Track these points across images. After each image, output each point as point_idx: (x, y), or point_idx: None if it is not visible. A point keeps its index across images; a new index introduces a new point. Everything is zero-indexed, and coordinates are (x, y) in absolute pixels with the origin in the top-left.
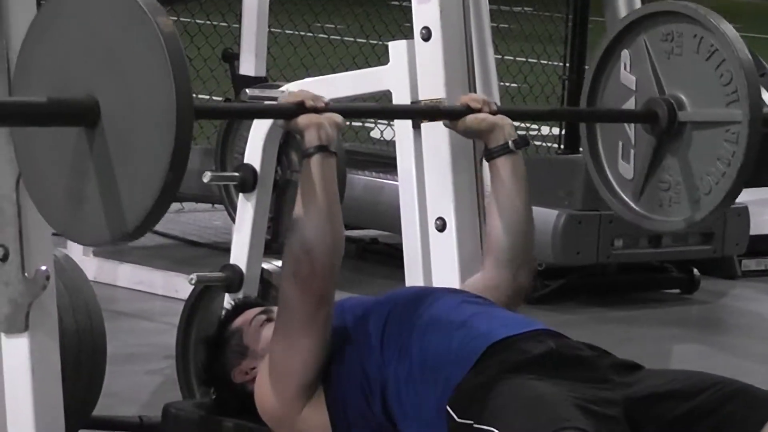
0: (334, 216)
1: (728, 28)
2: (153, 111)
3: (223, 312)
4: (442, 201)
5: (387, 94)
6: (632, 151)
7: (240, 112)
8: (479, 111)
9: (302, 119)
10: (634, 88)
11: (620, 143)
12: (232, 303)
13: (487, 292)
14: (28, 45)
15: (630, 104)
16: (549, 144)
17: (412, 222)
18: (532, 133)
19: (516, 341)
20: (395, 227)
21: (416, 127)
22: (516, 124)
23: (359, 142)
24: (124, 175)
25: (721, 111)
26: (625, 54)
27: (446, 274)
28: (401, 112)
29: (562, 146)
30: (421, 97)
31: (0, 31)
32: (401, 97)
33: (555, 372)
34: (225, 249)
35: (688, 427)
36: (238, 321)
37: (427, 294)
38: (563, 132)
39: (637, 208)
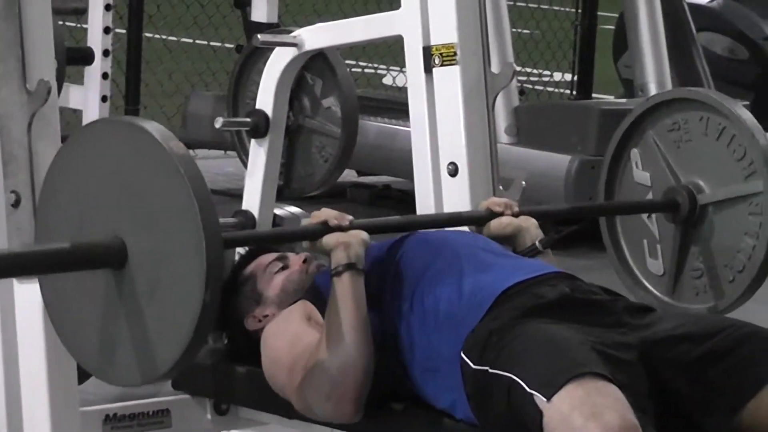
0: (366, 337)
1: (732, 104)
2: (181, 247)
3: (237, 257)
4: (454, 145)
5: (399, 39)
6: (659, 247)
7: (269, 238)
8: (501, 214)
9: (329, 239)
10: (649, 184)
11: (645, 241)
12: (246, 248)
13: None
14: (48, 190)
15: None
16: (561, 90)
17: (424, 167)
18: (544, 78)
19: (530, 286)
20: (408, 173)
21: (428, 72)
22: (528, 69)
23: (371, 89)
24: (155, 316)
25: (741, 186)
26: (635, 153)
27: None
28: (427, 223)
29: (574, 92)
30: (433, 42)
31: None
32: (413, 42)
33: (570, 316)
34: (237, 195)
35: (704, 369)
36: (252, 266)
37: (439, 240)
38: (575, 78)
39: (672, 302)
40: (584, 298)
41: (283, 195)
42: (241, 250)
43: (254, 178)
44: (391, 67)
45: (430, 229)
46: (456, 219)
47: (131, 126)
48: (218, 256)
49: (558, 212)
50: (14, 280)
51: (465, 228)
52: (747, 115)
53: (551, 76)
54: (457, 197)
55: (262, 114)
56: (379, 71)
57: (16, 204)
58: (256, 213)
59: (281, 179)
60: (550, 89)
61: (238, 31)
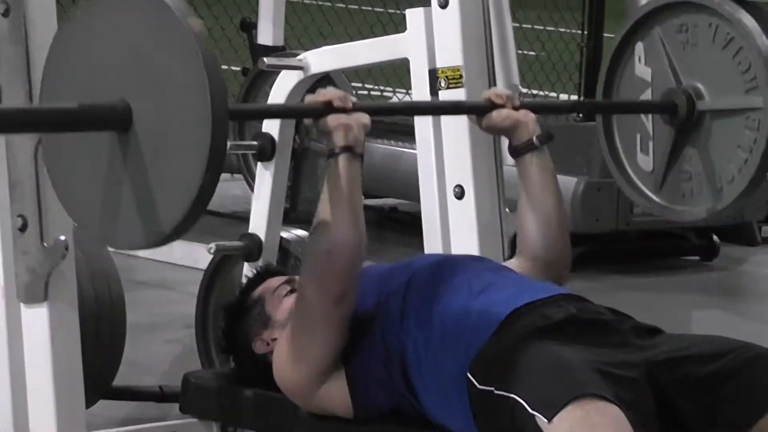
0: (357, 218)
1: (744, 16)
2: (187, 112)
3: (245, 279)
4: (461, 168)
5: (405, 62)
6: (651, 144)
7: (272, 111)
8: (502, 107)
9: (330, 120)
10: (650, 80)
11: (638, 136)
12: (255, 270)
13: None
14: (55, 52)
15: (646, 96)
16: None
17: (430, 189)
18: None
19: (537, 306)
20: (414, 195)
21: (434, 95)
22: (534, 91)
23: None
24: (159, 179)
25: (741, 98)
26: (639, 47)
27: (465, 242)
28: (426, 109)
29: (579, 114)
30: (438, 65)
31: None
32: (419, 65)
33: (576, 336)
34: (244, 218)
35: (710, 390)
36: (260, 289)
37: (447, 261)
38: (582, 99)
39: (658, 200)
40: (591, 318)
41: (289, 218)
42: (248, 273)
43: (261, 201)
44: (398, 90)
45: (431, 114)
46: (457, 107)
47: None
48: (224, 123)
49: (557, 106)
50: (21, 304)
51: (464, 125)
52: (757, 30)
53: (557, 97)
54: (463, 220)
55: (268, 137)
56: (385, 93)
57: (23, 228)
58: (262, 236)
59: (288, 202)
60: None
61: (244, 54)
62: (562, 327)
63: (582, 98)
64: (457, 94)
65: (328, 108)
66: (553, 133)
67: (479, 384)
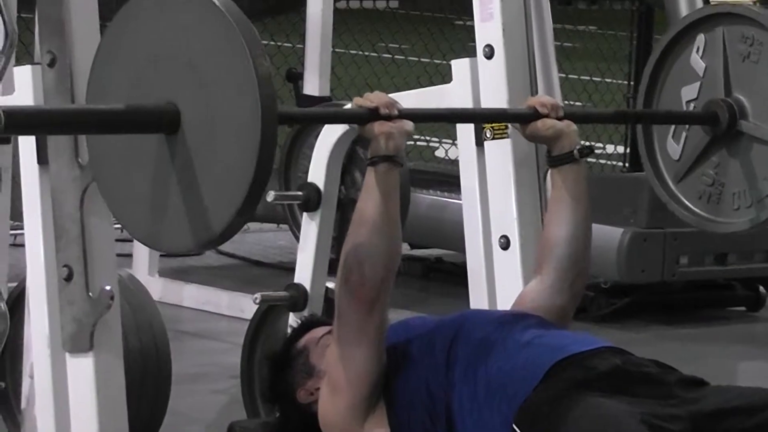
0: (392, 226)
1: None
2: (237, 115)
3: (290, 330)
4: (506, 219)
5: None
6: (684, 135)
7: (319, 116)
8: (546, 116)
9: (375, 126)
10: (701, 74)
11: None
12: (299, 321)
13: (543, 294)
14: (104, 54)
15: (693, 88)
16: (614, 162)
17: (475, 240)
18: (597, 151)
19: (582, 358)
20: (459, 246)
21: (479, 145)
22: (582, 142)
23: (423, 161)
24: (207, 182)
25: None
26: (701, 38)
27: (510, 292)
28: (469, 116)
29: (626, 164)
30: None
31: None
32: None
33: (621, 388)
34: (289, 269)
35: None
36: (305, 339)
37: (494, 316)
38: (628, 150)
39: (675, 190)
40: (636, 370)
41: (335, 268)
42: (294, 323)
43: (306, 252)
44: (444, 140)
45: (476, 121)
46: (501, 115)
47: None
48: (273, 128)
49: (601, 116)
50: (67, 354)
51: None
52: None
53: (604, 148)
54: (508, 270)
55: (313, 187)
56: (431, 144)
57: (69, 278)
58: (308, 286)
59: (333, 252)
60: (602, 161)
61: (291, 104)
62: (608, 379)
63: (626, 164)
64: (503, 145)
65: (374, 114)
66: (600, 183)
67: None
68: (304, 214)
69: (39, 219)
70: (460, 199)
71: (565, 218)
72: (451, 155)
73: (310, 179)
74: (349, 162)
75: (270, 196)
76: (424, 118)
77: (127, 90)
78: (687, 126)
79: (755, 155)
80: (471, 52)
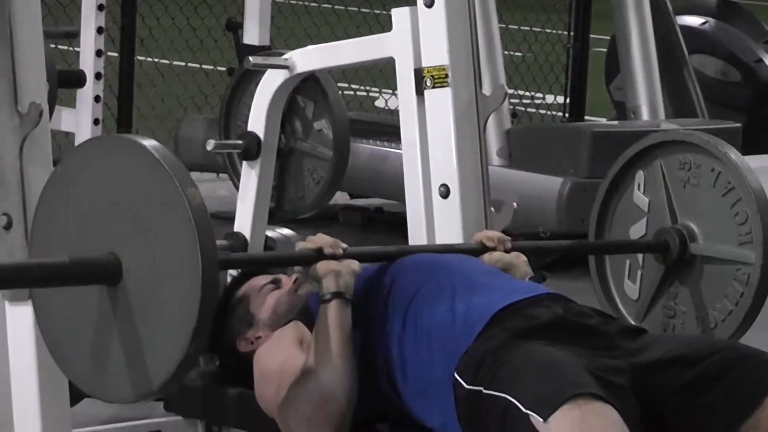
0: (350, 363)
1: (747, 168)
2: (177, 266)
3: (230, 278)
4: (446, 167)
5: (391, 62)
6: (639, 273)
7: (264, 261)
8: (494, 249)
9: (321, 266)
10: (646, 210)
11: (628, 263)
12: (239, 270)
13: None
14: (44, 206)
15: (641, 225)
16: (554, 112)
17: (415, 189)
18: (536, 101)
19: (523, 307)
20: (400, 195)
21: (420, 94)
22: (520, 92)
23: (364, 111)
24: (149, 333)
25: (734, 250)
26: (640, 175)
27: (450, 241)
28: (417, 251)
29: (566, 114)
30: (424, 64)
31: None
32: (404, 64)
33: (564, 338)
34: (229, 218)
35: (696, 393)
36: (244, 288)
37: (432, 261)
38: (568, 100)
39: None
40: (577, 320)
41: (275, 217)
42: (233, 273)
43: (246, 201)
44: (384, 90)
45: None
46: (448, 250)
47: (129, 143)
48: (214, 277)
49: (549, 248)
50: (6, 302)
51: None
52: (758, 186)
53: (543, 98)
54: (448, 219)
55: (253, 136)
56: (371, 94)
57: (8, 227)
58: (248, 235)
59: (273, 201)
60: (542, 112)
61: (230, 54)
62: (549, 327)
63: (566, 114)
64: (443, 94)
65: (319, 254)
66: (540, 134)
67: (467, 384)
68: (244, 163)
69: None
70: (401, 149)
71: None
72: (391, 105)
73: (249, 128)
74: (289, 111)
75: (210, 145)
76: (369, 257)
77: (69, 240)
78: (641, 263)
79: (709, 277)
80: (411, 2)
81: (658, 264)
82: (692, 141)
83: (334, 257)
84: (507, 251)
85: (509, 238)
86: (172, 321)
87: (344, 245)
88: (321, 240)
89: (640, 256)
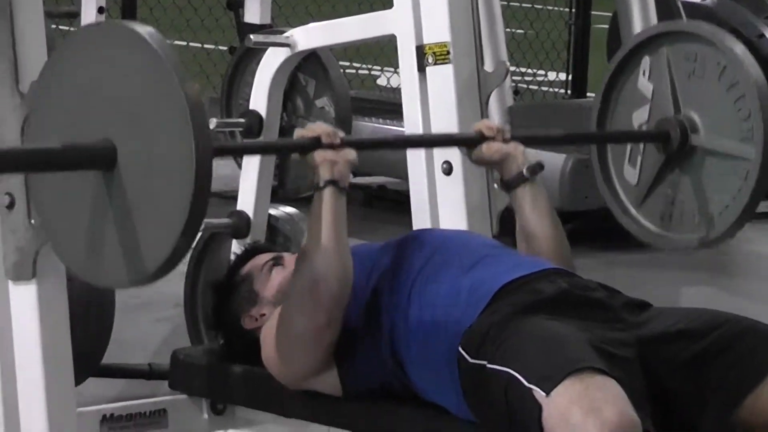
0: (342, 250)
1: (753, 64)
2: (172, 151)
3: (233, 257)
4: None
5: (392, 39)
6: (639, 159)
7: (259, 148)
8: (492, 139)
9: (317, 155)
10: (649, 96)
11: (629, 147)
12: (243, 248)
13: None
14: (40, 90)
15: (644, 111)
16: (556, 89)
17: (418, 167)
18: (538, 78)
19: (528, 282)
20: (403, 173)
21: (421, 71)
22: (522, 69)
23: (365, 89)
24: (144, 218)
25: (735, 145)
26: (645, 61)
27: (453, 218)
28: (415, 142)
29: (569, 91)
30: (425, 41)
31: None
32: (406, 41)
33: (568, 312)
34: (232, 197)
35: (700, 366)
36: (248, 266)
37: (437, 237)
38: (570, 77)
39: (636, 215)
40: (582, 294)
41: (277, 195)
42: (237, 251)
43: (248, 179)
44: (386, 68)
45: (421, 146)
46: (447, 140)
47: (125, 30)
48: (208, 163)
49: (548, 138)
50: (9, 282)
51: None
52: (763, 83)
53: (546, 75)
54: (451, 196)
55: (255, 115)
56: (373, 72)
57: (11, 206)
58: (251, 213)
59: (276, 180)
60: (544, 89)
61: (231, 33)
62: (554, 302)
63: (570, 76)
64: (445, 70)
65: (316, 143)
66: (542, 111)
67: (471, 358)
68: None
69: None
70: (403, 127)
71: (535, 240)
72: (393, 83)
73: (251, 106)
74: (291, 89)
75: (212, 123)
76: (368, 146)
77: (64, 127)
78: (642, 150)
79: (709, 168)
80: None
81: (658, 153)
82: (699, 33)
83: (331, 146)
84: (506, 141)
85: (508, 128)
86: (167, 206)
87: (342, 134)
88: (319, 129)
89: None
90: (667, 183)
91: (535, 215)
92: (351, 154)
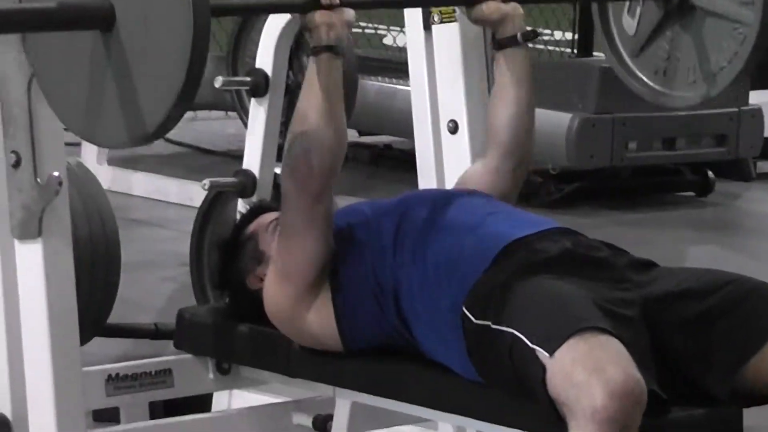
0: (336, 117)
1: None
2: (170, 10)
3: (239, 216)
4: (454, 103)
5: None
6: (638, 10)
7: (256, 7)
8: None
9: (314, 16)
10: None
11: None
12: (248, 207)
13: (485, 177)
14: None
15: None
16: (562, 48)
17: (424, 125)
18: (544, 37)
19: (532, 241)
20: (409, 132)
21: (427, 29)
22: (528, 28)
23: (372, 48)
24: (143, 77)
25: (734, 7)
26: None
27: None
28: (413, 1)
29: (575, 51)
30: None
31: None
32: None
33: (573, 271)
34: (238, 157)
35: (705, 326)
36: (254, 225)
37: (442, 195)
38: (576, 36)
39: (631, 65)
40: (587, 253)
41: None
42: (243, 210)
43: (255, 138)
44: (392, 27)
45: (421, 5)
46: None
47: None
48: (206, 20)
49: None
50: (15, 240)
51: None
52: None
53: (552, 34)
54: (457, 155)
55: (261, 73)
56: (379, 31)
57: (17, 164)
58: (257, 172)
59: (282, 138)
60: (550, 48)
61: None
62: (558, 261)
63: (575, 50)
64: (451, 29)
65: (315, 3)
66: (548, 70)
67: (475, 319)
68: (252, 99)
69: None
70: (409, 86)
71: (508, 102)
72: (399, 42)
73: (258, 65)
74: (297, 47)
75: (218, 82)
76: (366, 5)
77: None
78: (642, 2)
79: (707, 29)
80: None
81: (658, 7)
82: None
83: (330, 6)
84: (505, 1)
85: None
86: (166, 65)
87: None
88: None
89: None
90: (665, 38)
91: (516, 77)
92: (349, 13)
